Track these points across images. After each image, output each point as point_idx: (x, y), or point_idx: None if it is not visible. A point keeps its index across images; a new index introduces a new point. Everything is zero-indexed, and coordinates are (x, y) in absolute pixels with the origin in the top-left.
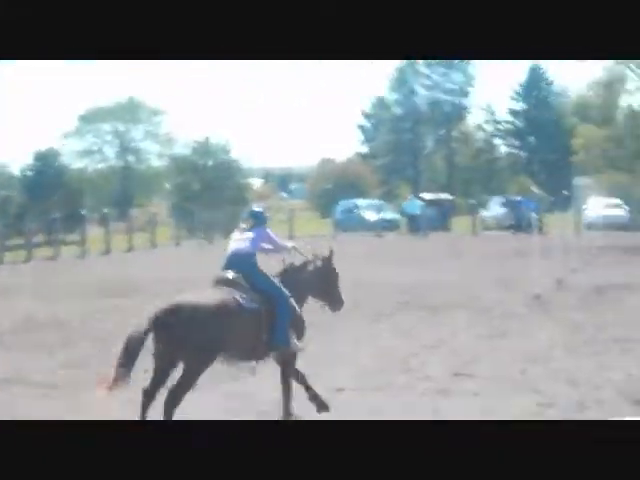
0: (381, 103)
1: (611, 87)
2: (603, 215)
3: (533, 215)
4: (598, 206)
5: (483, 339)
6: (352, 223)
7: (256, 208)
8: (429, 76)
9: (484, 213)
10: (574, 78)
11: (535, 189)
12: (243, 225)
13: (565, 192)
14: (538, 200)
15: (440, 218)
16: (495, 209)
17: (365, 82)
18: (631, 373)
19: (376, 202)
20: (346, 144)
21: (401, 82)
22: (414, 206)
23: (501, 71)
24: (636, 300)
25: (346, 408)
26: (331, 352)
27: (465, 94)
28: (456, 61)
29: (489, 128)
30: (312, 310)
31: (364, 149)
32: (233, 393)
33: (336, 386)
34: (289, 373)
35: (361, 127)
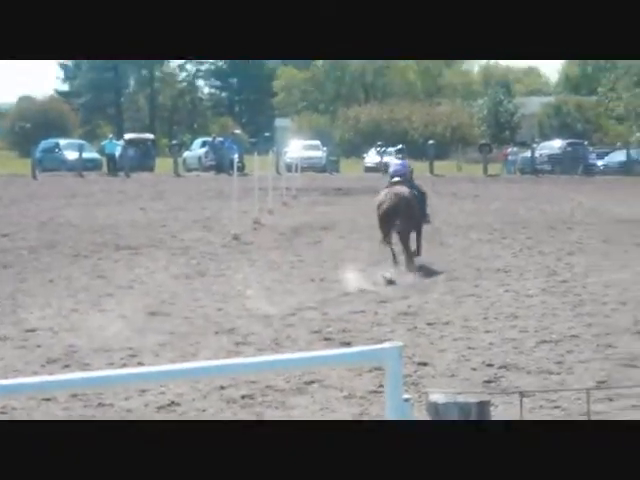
0: None
1: None
2: (302, 157)
3: (235, 156)
4: (298, 148)
5: (181, 279)
6: (53, 163)
7: (400, 146)
8: None
9: (187, 154)
10: None
11: (237, 130)
12: (398, 155)
13: (266, 133)
14: (240, 141)
15: (142, 158)
16: (198, 150)
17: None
18: (325, 311)
19: (77, 141)
20: (47, 81)
21: None
22: (113, 146)
23: None
24: (332, 240)
25: (42, 350)
26: (24, 293)
27: None
28: None
29: (192, 69)
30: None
31: (65, 87)
32: None
33: (29, 327)
34: (420, 238)
35: (62, 64)
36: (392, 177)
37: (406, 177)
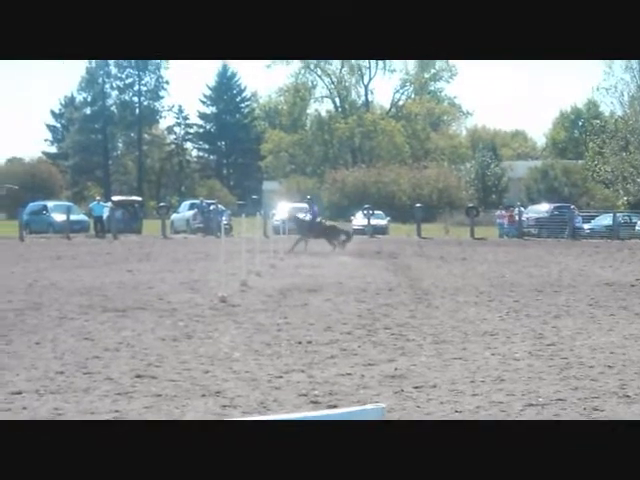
0: (71, 103)
1: (299, 94)
2: (290, 219)
3: (222, 218)
4: (285, 210)
5: (168, 341)
6: (41, 225)
7: (309, 196)
8: (120, 77)
9: (175, 216)
10: (264, 83)
11: (225, 193)
12: (307, 202)
13: (254, 196)
14: (227, 204)
15: (130, 220)
16: (185, 212)
17: (55, 81)
18: (312, 374)
19: (65, 203)
20: (35, 143)
21: (91, 82)
22: (100, 208)
23: (193, 74)
24: (319, 302)
25: (27, 412)
26: (10, 355)
27: (157, 97)
28: (149, 64)
29: (180, 131)
30: None
31: (53, 149)
32: None
33: (14, 389)
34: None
35: (50, 127)
36: (313, 216)
37: (316, 215)
